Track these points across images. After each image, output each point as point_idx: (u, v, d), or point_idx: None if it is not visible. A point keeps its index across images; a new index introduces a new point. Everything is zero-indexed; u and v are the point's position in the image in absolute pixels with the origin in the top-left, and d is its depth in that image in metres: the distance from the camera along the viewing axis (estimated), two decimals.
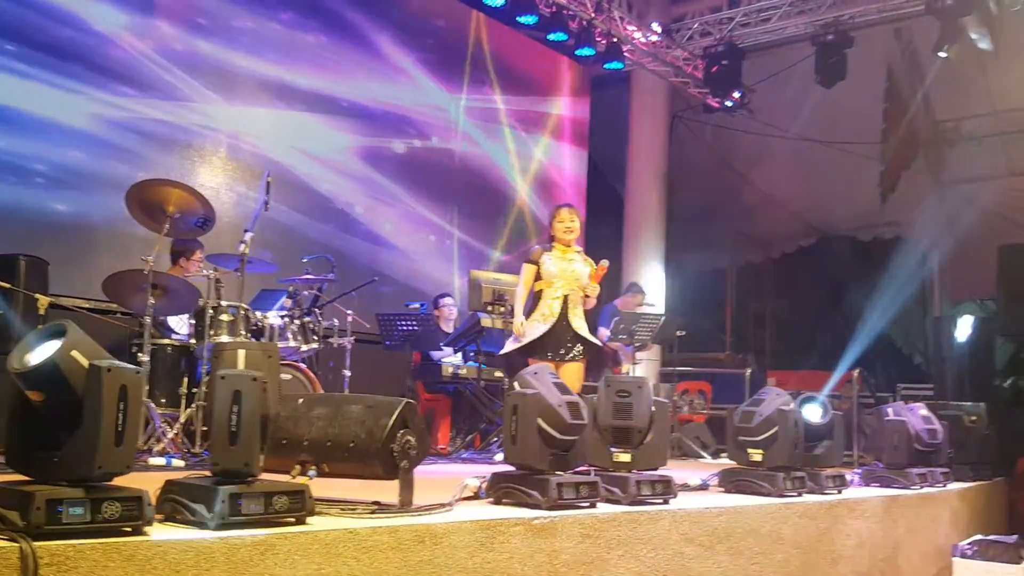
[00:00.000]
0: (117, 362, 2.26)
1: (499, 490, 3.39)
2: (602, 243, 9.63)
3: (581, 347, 5.64)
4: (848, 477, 5.27)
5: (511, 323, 6.97)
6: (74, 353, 2.21)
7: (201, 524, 2.37)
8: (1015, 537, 5.99)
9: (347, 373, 6.59)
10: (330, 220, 8.89)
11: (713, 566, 3.81)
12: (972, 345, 9.37)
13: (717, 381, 10.40)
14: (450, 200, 10.11)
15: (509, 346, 5.79)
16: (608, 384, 3.93)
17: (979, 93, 11.68)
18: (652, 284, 11.30)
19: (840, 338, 12.90)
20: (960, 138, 12.75)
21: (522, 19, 9.63)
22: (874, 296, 13.65)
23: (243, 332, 5.50)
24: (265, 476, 2.63)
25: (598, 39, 10.22)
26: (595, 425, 3.81)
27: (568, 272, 5.67)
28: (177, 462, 4.68)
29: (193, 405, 5.12)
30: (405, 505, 2.94)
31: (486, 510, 3.19)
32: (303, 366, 6.06)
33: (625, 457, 3.79)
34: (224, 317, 5.46)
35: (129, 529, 2.21)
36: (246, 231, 5.49)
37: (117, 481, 2.26)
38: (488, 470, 3.71)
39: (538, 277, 5.72)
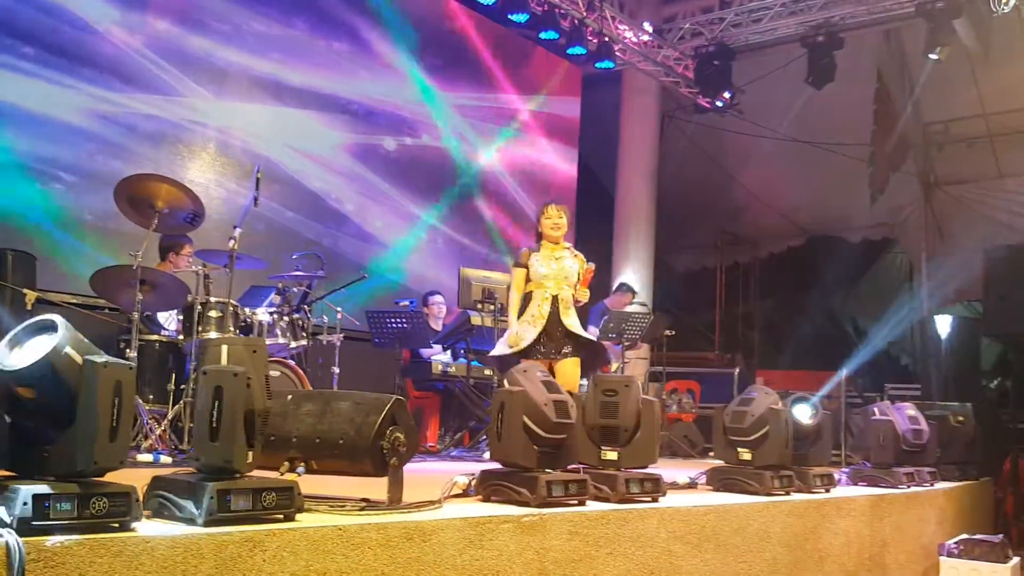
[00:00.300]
0: (112, 358, 2.25)
1: (488, 487, 3.39)
2: (592, 242, 9.64)
3: (571, 345, 5.53)
4: (836, 476, 5.29)
5: (501, 320, 7.00)
6: (68, 350, 2.20)
7: (189, 520, 2.36)
8: (1001, 536, 6.03)
9: (336, 370, 6.58)
10: (320, 217, 8.87)
11: (701, 564, 3.82)
12: (959, 346, 9.43)
13: (705, 380, 10.44)
14: (440, 198, 10.10)
15: (499, 348, 5.71)
16: (596, 383, 3.93)
17: (968, 96, 11.75)
18: (641, 283, 11.32)
19: (828, 338, 12.98)
20: (949, 140, 12.82)
21: (513, 17, 9.62)
22: (863, 296, 13.73)
23: (232, 328, 5.48)
24: (254, 472, 2.62)
25: (589, 38, 10.23)
26: (584, 423, 3.82)
27: (557, 271, 5.58)
28: (165, 459, 4.66)
29: (181, 401, 5.09)
30: (394, 502, 2.94)
31: (475, 507, 3.18)
32: (292, 363, 6.05)
33: (612, 455, 3.79)
34: (212, 313, 5.44)
35: (117, 525, 2.19)
36: (235, 227, 5.47)
37: (107, 477, 2.25)
38: (477, 467, 3.70)
39: (529, 279, 5.67)
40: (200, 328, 5.34)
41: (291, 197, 8.60)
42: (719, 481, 4.58)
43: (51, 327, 2.24)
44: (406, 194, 9.73)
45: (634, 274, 11.43)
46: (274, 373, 5.65)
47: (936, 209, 13.04)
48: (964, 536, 5.99)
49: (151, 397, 5.32)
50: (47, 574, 1.99)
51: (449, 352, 7.54)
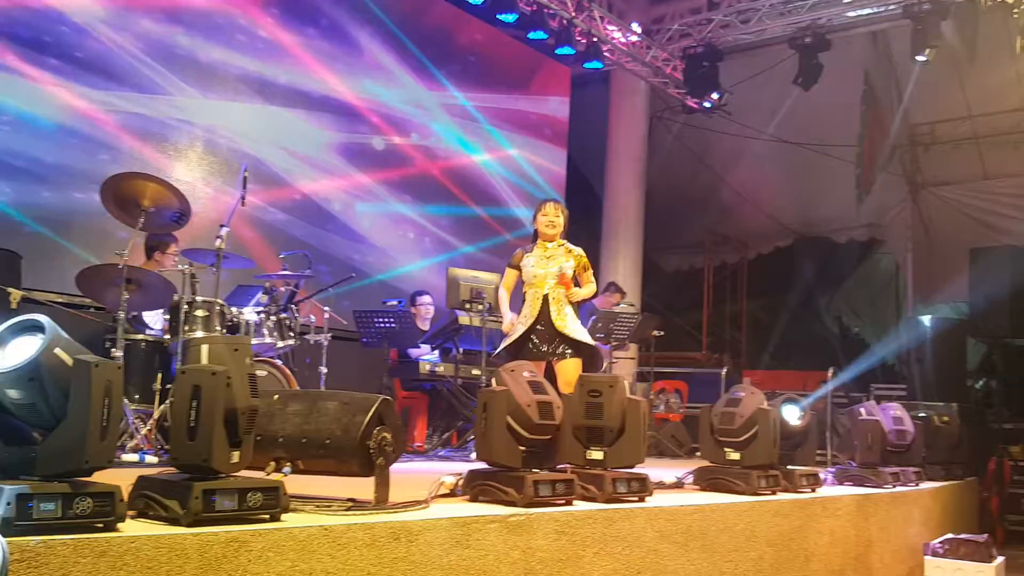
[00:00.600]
0: (102, 358, 2.25)
1: (475, 487, 3.39)
2: (580, 242, 9.61)
3: (568, 347, 5.42)
4: (821, 476, 5.31)
5: (490, 320, 6.99)
6: (57, 351, 2.20)
7: (174, 520, 2.36)
8: (986, 536, 6.07)
9: (324, 370, 6.56)
10: (308, 216, 8.84)
11: (687, 564, 3.83)
12: (944, 346, 9.49)
13: (693, 380, 10.47)
14: (428, 197, 10.09)
15: (501, 346, 5.66)
16: (581, 383, 3.93)
17: (954, 98, 11.83)
18: (630, 283, 11.34)
19: (815, 338, 13.04)
20: (935, 142, 12.91)
21: (502, 17, 9.63)
22: (849, 297, 13.79)
23: (218, 328, 5.46)
24: (240, 472, 2.61)
25: (578, 38, 10.24)
26: (571, 424, 3.82)
27: (550, 272, 5.54)
28: (151, 458, 4.64)
29: (167, 401, 5.05)
30: (381, 502, 2.93)
31: (462, 507, 3.18)
32: (279, 362, 6.03)
33: (598, 455, 3.79)
34: (199, 313, 5.42)
35: (101, 525, 2.18)
36: (222, 226, 5.45)
37: (93, 476, 2.24)
38: (465, 467, 3.70)
39: (523, 280, 5.64)
40: (186, 327, 5.31)
41: (278, 196, 8.58)
42: (706, 481, 4.60)
43: (36, 327, 2.23)
44: (394, 193, 9.71)
45: (622, 274, 11.44)
46: (261, 373, 5.62)
47: (922, 210, 13.12)
48: (949, 536, 6.02)
49: (137, 397, 5.28)
50: (31, 574, 1.98)
51: (437, 352, 7.53)
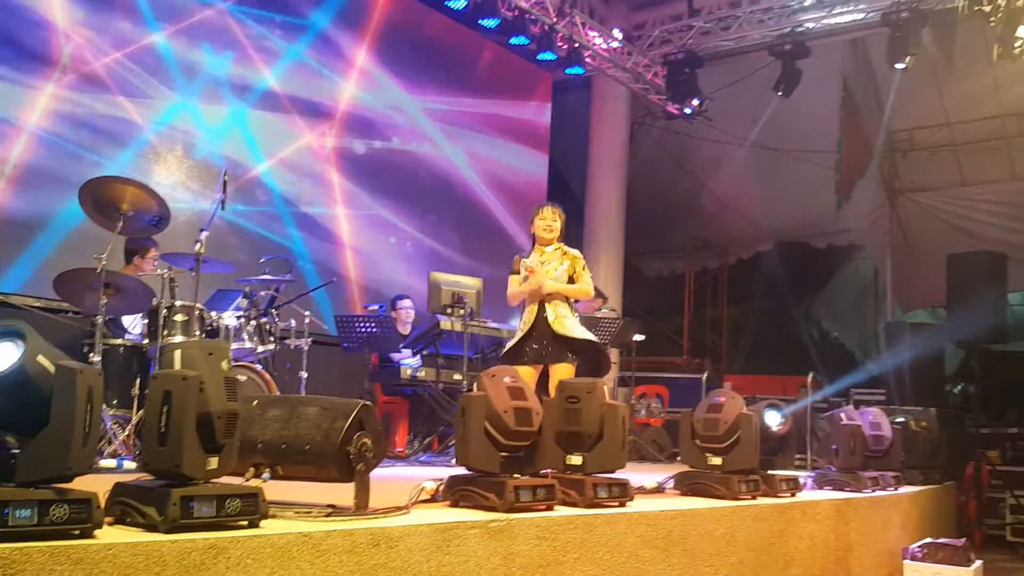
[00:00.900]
0: (84, 364, 2.24)
1: (456, 493, 3.38)
2: None
3: (568, 350, 5.29)
4: (801, 480, 5.33)
5: (471, 325, 6.98)
6: (39, 358, 2.18)
7: (151, 527, 2.33)
8: (964, 540, 6.11)
9: (304, 375, 6.53)
10: (288, 220, 8.81)
11: (668, 568, 3.83)
12: (923, 351, 9.56)
13: (674, 385, 10.51)
14: (410, 202, 10.07)
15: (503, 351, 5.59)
16: (560, 389, 3.92)
17: (932, 105, 11.95)
18: (611, 288, 11.36)
19: (795, 343, 13.11)
20: (913, 148, 13.03)
21: (484, 22, 9.64)
22: (829, 302, 13.88)
23: (197, 332, 5.43)
24: (219, 479, 2.59)
25: (559, 44, 10.27)
26: (552, 429, 3.81)
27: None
28: (129, 464, 4.60)
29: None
30: (360, 508, 2.92)
31: (442, 513, 3.17)
32: (259, 367, 6.00)
33: (577, 460, 3.79)
34: (178, 317, 5.38)
35: (78, 532, 2.16)
36: (202, 230, 5.41)
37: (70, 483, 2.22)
38: (446, 473, 3.69)
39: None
40: (165, 332, 5.28)
41: (259, 200, 8.54)
42: (686, 485, 4.60)
43: (16, 333, 2.21)
44: (375, 197, 9.69)
45: (604, 279, 11.46)
46: (240, 378, 5.58)
47: (901, 216, 13.24)
48: (928, 540, 6.06)
49: (115, 402, 5.24)
50: None
51: (418, 357, 7.52)
